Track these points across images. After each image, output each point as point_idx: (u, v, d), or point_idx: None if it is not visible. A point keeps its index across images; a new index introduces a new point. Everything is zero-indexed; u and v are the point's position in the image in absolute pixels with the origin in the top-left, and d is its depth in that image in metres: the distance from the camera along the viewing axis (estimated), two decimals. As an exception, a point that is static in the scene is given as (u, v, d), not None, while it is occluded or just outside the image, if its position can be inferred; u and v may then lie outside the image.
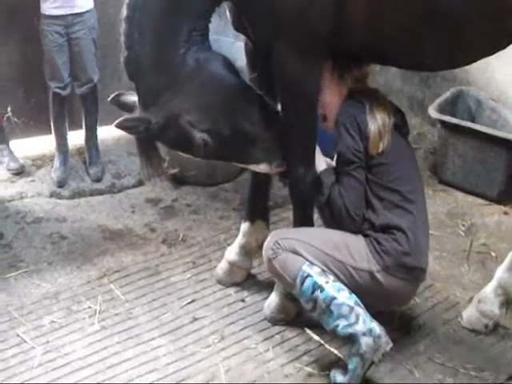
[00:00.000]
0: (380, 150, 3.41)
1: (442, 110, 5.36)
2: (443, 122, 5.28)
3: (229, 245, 4.30)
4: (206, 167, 5.16)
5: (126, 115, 3.39)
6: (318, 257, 3.42)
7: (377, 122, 3.40)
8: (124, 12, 3.25)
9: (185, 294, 4.14)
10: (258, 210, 4.12)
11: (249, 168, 3.67)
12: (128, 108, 3.51)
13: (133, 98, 3.48)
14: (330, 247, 3.44)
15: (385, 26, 3.16)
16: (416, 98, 6.27)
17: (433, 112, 5.31)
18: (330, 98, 3.50)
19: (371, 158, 3.41)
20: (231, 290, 4.17)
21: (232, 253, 4.17)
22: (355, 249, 3.44)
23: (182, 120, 3.33)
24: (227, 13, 3.56)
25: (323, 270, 3.40)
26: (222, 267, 4.23)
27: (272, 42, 3.25)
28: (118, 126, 3.34)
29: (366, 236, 3.46)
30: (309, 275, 3.39)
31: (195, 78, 3.30)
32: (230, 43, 5.21)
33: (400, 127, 3.55)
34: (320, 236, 3.54)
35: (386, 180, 3.44)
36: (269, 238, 3.62)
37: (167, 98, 3.32)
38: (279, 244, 3.50)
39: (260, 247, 4.05)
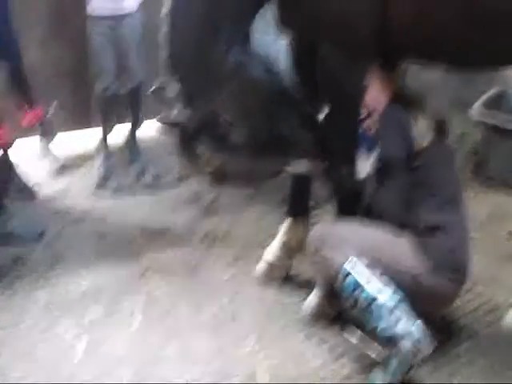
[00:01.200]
0: (423, 149, 3.44)
1: (484, 110, 5.30)
2: (486, 123, 5.22)
3: (268, 244, 4.29)
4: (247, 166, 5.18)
5: (168, 112, 3.41)
6: (362, 255, 3.41)
7: (419, 124, 3.44)
8: (166, 9, 3.27)
9: (224, 292, 4.14)
10: (299, 209, 4.12)
11: (286, 170, 3.68)
12: (168, 102, 3.53)
13: (174, 91, 3.50)
14: (374, 246, 3.44)
15: (432, 24, 3.13)
16: (458, 97, 6.20)
17: (475, 112, 5.25)
18: (375, 97, 3.49)
19: (413, 160, 3.40)
20: (271, 290, 4.16)
21: (272, 252, 4.17)
22: (399, 250, 3.43)
23: (221, 119, 3.34)
24: (272, 13, 3.56)
25: (365, 269, 3.39)
26: (261, 266, 4.23)
27: (317, 43, 3.25)
28: (160, 121, 3.38)
29: (410, 237, 3.44)
30: (350, 273, 3.38)
31: (234, 79, 3.33)
32: (271, 42, 5.20)
33: (440, 131, 3.54)
34: (365, 234, 3.53)
35: (429, 182, 3.45)
36: (314, 231, 3.64)
37: (207, 96, 3.34)
38: (323, 238, 3.50)
39: (300, 247, 4.06)
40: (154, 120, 3.42)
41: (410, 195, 3.44)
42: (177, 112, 3.40)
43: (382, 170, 3.47)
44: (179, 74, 3.35)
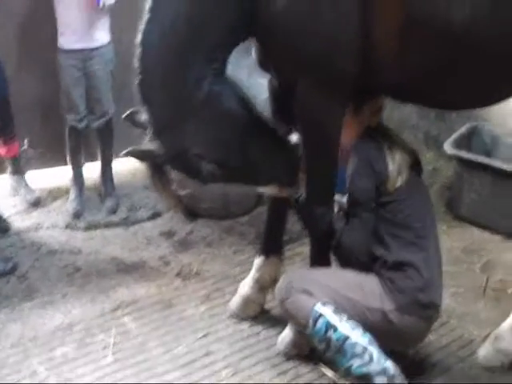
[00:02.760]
0: (397, 185, 3.43)
1: (457, 145, 5.36)
2: (459, 158, 5.28)
3: (243, 279, 4.29)
4: (222, 201, 5.20)
5: (135, 146, 3.40)
6: (331, 296, 3.41)
7: (396, 159, 3.43)
8: (139, 36, 3.27)
9: (198, 327, 4.13)
10: (273, 245, 4.12)
11: (258, 191, 3.71)
12: (142, 126, 3.52)
13: (146, 116, 3.47)
14: (343, 287, 3.44)
15: (415, 65, 3.17)
16: (431, 134, 6.27)
17: (448, 147, 5.31)
18: (346, 131, 3.50)
19: (387, 194, 3.42)
20: (245, 325, 4.15)
21: (246, 287, 4.17)
22: (368, 288, 3.43)
23: (190, 153, 3.35)
24: (252, 50, 3.59)
25: (336, 309, 3.39)
26: (235, 301, 4.22)
27: (295, 81, 3.26)
28: (128, 155, 3.38)
29: (379, 275, 3.46)
30: (321, 315, 3.37)
31: (205, 109, 3.30)
32: (244, 78, 5.23)
33: (414, 166, 3.57)
34: (333, 275, 3.55)
35: (400, 217, 3.45)
36: (281, 280, 3.64)
37: (176, 127, 3.32)
38: (291, 285, 3.50)
39: (274, 281, 4.06)
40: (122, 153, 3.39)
41: (380, 231, 3.45)
42: (146, 143, 3.40)
43: (350, 207, 3.48)
44: (148, 103, 3.34)
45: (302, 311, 3.44)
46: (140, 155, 3.41)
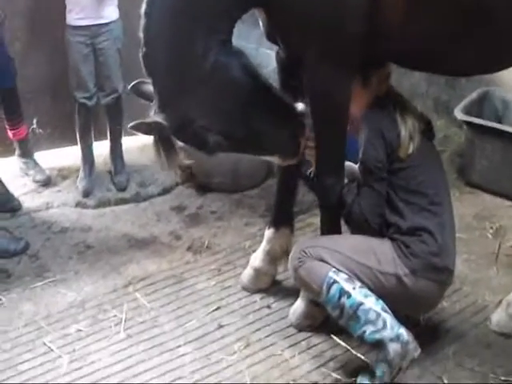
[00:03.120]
0: (409, 152, 3.41)
1: (468, 111, 5.32)
2: (470, 124, 5.23)
3: (254, 251, 4.29)
4: (231, 174, 5.18)
5: (141, 120, 3.35)
6: (345, 263, 3.41)
7: (407, 125, 3.41)
8: (143, 7, 3.21)
9: (210, 301, 4.14)
10: (283, 216, 4.10)
11: (261, 157, 3.71)
12: (148, 97, 3.49)
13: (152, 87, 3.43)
14: (356, 253, 3.43)
15: (424, 28, 3.13)
16: (441, 100, 6.23)
17: (459, 114, 5.26)
18: (355, 102, 3.48)
19: (400, 161, 3.40)
20: (256, 297, 4.16)
21: (257, 259, 4.17)
22: (382, 253, 3.42)
23: (196, 124, 3.32)
24: (259, 21, 3.55)
25: (349, 276, 3.39)
26: (247, 274, 4.23)
27: (303, 51, 3.23)
28: (133, 129, 3.35)
29: (392, 240, 3.44)
30: (335, 281, 3.38)
31: (211, 80, 3.25)
32: (253, 49, 5.21)
33: (426, 131, 3.55)
34: (346, 242, 3.54)
35: (413, 183, 3.43)
36: (294, 248, 3.63)
37: (182, 99, 3.28)
38: (305, 252, 3.50)
39: (285, 253, 4.06)
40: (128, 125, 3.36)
41: (393, 198, 3.44)
42: (151, 116, 3.37)
43: (362, 176, 3.46)
44: (154, 75, 3.30)
45: (315, 278, 3.44)
46: (146, 128, 3.37)
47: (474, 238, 4.71)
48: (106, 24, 5.01)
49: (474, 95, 5.54)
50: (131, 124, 3.29)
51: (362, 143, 3.44)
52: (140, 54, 3.27)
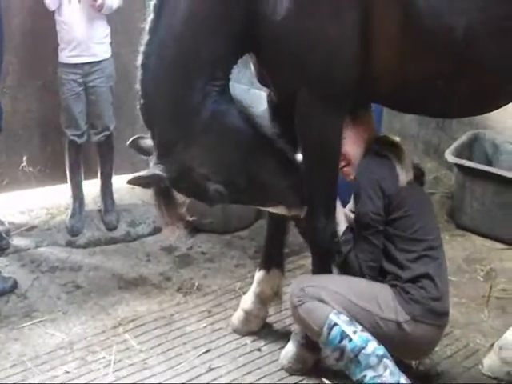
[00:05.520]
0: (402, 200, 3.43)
1: (458, 153, 5.38)
2: (460, 166, 5.29)
3: (244, 293, 4.29)
4: (222, 215, 5.19)
5: (139, 173, 3.36)
6: (345, 305, 3.40)
7: (404, 172, 3.43)
8: (140, 59, 3.26)
9: (200, 343, 4.12)
10: (274, 258, 4.10)
11: (266, 210, 3.71)
12: (146, 152, 3.52)
13: (151, 142, 3.47)
14: (357, 297, 3.42)
15: (415, 74, 3.18)
16: (432, 143, 6.29)
17: (449, 156, 5.32)
18: (350, 146, 3.50)
19: (395, 211, 3.42)
20: (247, 339, 4.14)
21: (247, 301, 4.16)
22: (382, 299, 3.41)
23: (195, 173, 3.34)
24: (251, 64, 3.59)
25: (350, 319, 3.38)
26: (237, 316, 4.21)
27: (295, 93, 3.26)
28: (131, 183, 3.35)
29: (392, 286, 3.44)
30: (336, 324, 3.36)
31: (210, 130, 3.29)
32: (244, 90, 5.26)
33: (418, 177, 3.58)
34: (347, 284, 3.50)
35: (410, 232, 3.43)
36: (294, 285, 3.62)
37: (181, 149, 3.31)
38: (305, 291, 3.49)
39: (276, 295, 4.06)
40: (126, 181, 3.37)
41: (390, 249, 3.43)
42: (150, 167, 3.38)
43: (357, 229, 3.46)
44: (152, 127, 3.33)
45: (315, 319, 3.43)
46: (144, 181, 3.38)
47: (465, 281, 4.73)
48: (99, 62, 5.06)
49: (464, 138, 5.61)
50: (129, 179, 3.30)
51: (356, 190, 3.44)
52: (138, 107, 3.31)
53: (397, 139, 3.64)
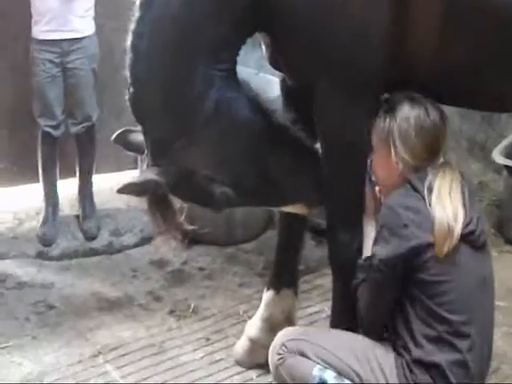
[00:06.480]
0: (445, 251, 3.09)
1: (508, 154, 5.36)
2: (510, 168, 5.27)
3: (250, 317, 4.29)
4: (224, 223, 5.19)
5: (130, 180, 3.33)
6: (329, 361, 3.32)
7: (445, 211, 3.10)
8: (130, 38, 3.23)
9: (196, 376, 4.11)
10: (286, 276, 4.09)
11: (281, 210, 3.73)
12: (135, 148, 3.52)
13: (141, 136, 3.43)
14: (346, 353, 3.33)
15: (457, 56, 3.15)
16: (477, 140, 6.29)
17: (498, 156, 5.31)
18: (384, 169, 3.30)
19: (428, 268, 3.13)
20: (253, 374, 4.14)
21: (253, 328, 4.15)
22: (377, 364, 3.31)
23: (198, 176, 3.33)
24: (262, 46, 3.59)
25: (338, 374, 3.31)
26: (241, 345, 4.21)
27: (315, 81, 3.25)
28: (122, 192, 3.33)
29: (398, 354, 3.29)
30: (323, 381, 3.33)
31: (214, 124, 3.26)
32: (252, 74, 5.25)
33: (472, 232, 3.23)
34: (337, 339, 3.43)
35: (437, 301, 3.18)
36: (275, 340, 3.56)
37: (180, 148, 3.29)
38: (286, 347, 3.45)
39: (287, 320, 4.05)
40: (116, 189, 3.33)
41: (407, 312, 3.22)
42: (143, 171, 3.37)
43: (367, 268, 3.27)
44: (145, 122, 3.31)
45: (298, 377, 3.37)
46: (138, 189, 3.36)
47: (516, 308, 4.71)
48: (80, 39, 5.04)
49: (514, 135, 5.61)
50: (119, 187, 3.27)
51: (377, 231, 3.24)
52: (127, 97, 3.29)
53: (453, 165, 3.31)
